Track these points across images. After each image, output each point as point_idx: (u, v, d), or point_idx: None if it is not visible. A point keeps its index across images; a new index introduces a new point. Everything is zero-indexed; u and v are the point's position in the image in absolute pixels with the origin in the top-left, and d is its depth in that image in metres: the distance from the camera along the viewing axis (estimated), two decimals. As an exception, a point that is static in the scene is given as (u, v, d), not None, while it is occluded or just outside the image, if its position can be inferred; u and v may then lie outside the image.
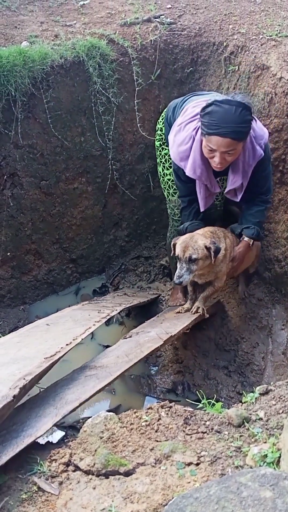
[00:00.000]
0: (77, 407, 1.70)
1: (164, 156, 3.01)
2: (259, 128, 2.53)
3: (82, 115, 3.21)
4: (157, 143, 3.08)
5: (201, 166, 2.57)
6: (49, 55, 2.98)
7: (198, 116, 2.48)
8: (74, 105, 3.16)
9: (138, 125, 3.40)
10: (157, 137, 3.08)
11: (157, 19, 3.34)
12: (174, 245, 2.67)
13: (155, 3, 3.54)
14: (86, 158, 3.36)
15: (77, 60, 3.07)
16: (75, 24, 3.32)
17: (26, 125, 3.05)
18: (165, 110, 2.99)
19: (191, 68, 3.41)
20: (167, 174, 3.02)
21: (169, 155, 2.94)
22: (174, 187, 3.00)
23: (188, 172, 2.61)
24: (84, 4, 3.53)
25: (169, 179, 3.02)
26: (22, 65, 2.89)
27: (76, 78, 3.10)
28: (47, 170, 3.26)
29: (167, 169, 3.01)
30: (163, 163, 3.03)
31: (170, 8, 3.49)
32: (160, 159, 3.07)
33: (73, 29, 3.27)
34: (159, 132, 3.05)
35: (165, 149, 2.97)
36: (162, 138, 3.02)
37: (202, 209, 2.79)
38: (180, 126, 2.61)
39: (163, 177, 3.07)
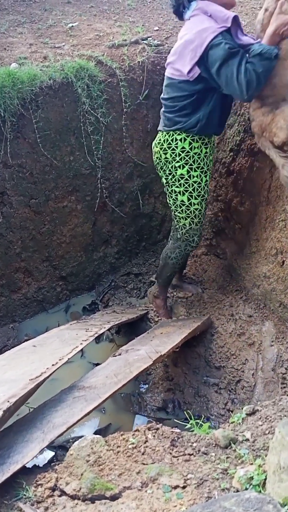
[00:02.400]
0: (65, 431, 1.69)
1: (193, 185, 2.83)
2: None
3: (71, 134, 3.25)
4: (182, 171, 2.79)
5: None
6: (38, 77, 3.02)
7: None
8: (63, 125, 3.20)
9: (125, 145, 3.44)
10: (180, 161, 2.77)
11: (144, 41, 3.41)
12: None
13: (142, 25, 3.61)
14: (75, 176, 3.39)
15: (65, 81, 3.11)
16: (63, 46, 3.37)
17: (15, 145, 3.08)
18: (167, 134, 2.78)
19: (179, 88, 3.46)
20: (194, 204, 2.90)
21: (198, 184, 2.83)
22: (200, 216, 2.95)
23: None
24: (72, 26, 3.59)
25: (196, 209, 2.91)
26: (11, 86, 2.93)
27: (65, 98, 3.14)
28: (36, 188, 3.28)
29: (195, 199, 2.88)
30: (190, 192, 2.86)
31: (157, 30, 3.56)
32: (186, 188, 2.85)
33: (62, 50, 3.32)
34: (178, 151, 2.75)
35: (194, 177, 2.81)
36: (188, 158, 2.76)
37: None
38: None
39: (188, 206, 2.91)
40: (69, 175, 3.37)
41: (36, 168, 3.22)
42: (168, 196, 2.96)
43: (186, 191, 2.86)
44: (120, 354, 2.73)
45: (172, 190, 2.90)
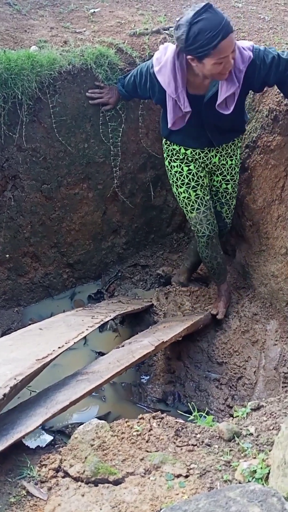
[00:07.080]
0: (67, 406, 1.71)
1: (175, 175, 2.95)
2: (243, 42, 2.50)
3: (87, 121, 3.23)
4: (166, 162, 3.00)
5: (172, 83, 2.47)
6: (57, 61, 3.00)
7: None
8: (80, 111, 3.18)
9: (140, 135, 3.42)
10: (165, 154, 3.00)
11: (166, 31, 3.38)
12: None
13: (164, 15, 3.58)
14: (88, 164, 3.38)
15: (85, 67, 3.09)
16: (84, 31, 3.35)
17: (30, 128, 3.07)
18: None
19: (197, 81, 3.44)
20: (182, 193, 2.97)
21: (179, 173, 2.92)
22: (191, 203, 2.97)
23: (162, 82, 2.52)
24: (94, 12, 3.57)
25: (184, 197, 2.98)
26: (30, 69, 2.91)
27: (83, 85, 3.13)
28: (49, 174, 3.27)
29: (180, 187, 2.96)
30: (175, 182, 2.98)
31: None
32: (172, 178, 3.00)
33: (83, 36, 3.30)
34: (165, 146, 2.98)
35: (174, 167, 2.93)
36: (168, 152, 2.94)
37: (169, 125, 2.67)
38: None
39: (178, 196, 3.02)
40: (82, 162, 3.36)
41: (50, 153, 3.21)
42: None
43: (173, 182, 3.03)
44: (123, 346, 2.75)
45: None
